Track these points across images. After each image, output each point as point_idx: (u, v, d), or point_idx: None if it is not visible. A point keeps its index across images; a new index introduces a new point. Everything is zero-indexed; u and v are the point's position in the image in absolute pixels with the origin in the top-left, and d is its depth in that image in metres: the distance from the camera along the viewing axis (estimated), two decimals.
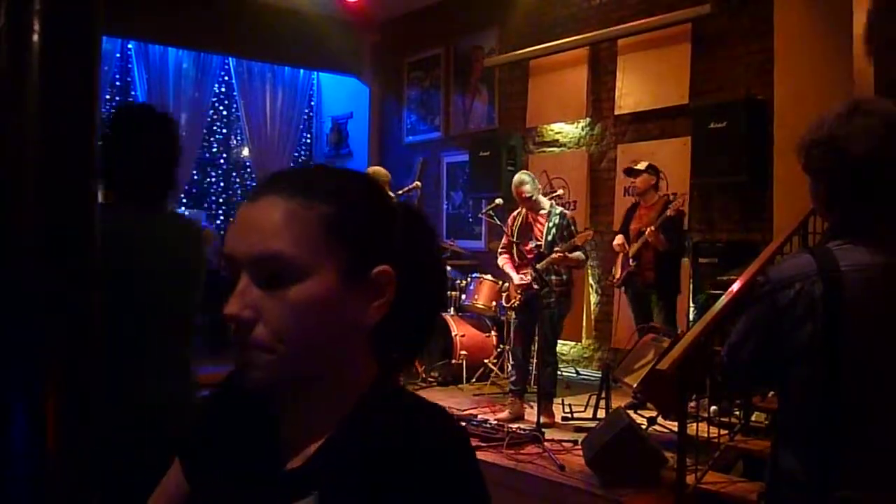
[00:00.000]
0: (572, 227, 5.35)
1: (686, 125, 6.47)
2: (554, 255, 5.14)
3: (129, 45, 9.48)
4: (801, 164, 1.74)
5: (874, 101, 1.74)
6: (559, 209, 5.45)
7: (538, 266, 5.13)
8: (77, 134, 0.59)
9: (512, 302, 5.45)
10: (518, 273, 5.40)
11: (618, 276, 5.86)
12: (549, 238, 5.28)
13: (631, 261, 5.65)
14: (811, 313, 1.60)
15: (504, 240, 5.59)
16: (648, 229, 5.46)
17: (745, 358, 1.75)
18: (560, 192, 6.45)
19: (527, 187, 5.39)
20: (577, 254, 5.26)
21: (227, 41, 9.21)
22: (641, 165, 5.77)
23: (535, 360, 5.67)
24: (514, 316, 5.66)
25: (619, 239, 5.83)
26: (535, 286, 5.18)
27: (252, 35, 9.14)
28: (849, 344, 1.58)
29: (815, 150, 1.69)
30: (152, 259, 2.11)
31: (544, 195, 5.69)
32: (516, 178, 5.52)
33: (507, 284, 5.56)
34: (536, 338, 5.46)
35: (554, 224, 5.31)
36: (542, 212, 5.41)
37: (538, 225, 5.38)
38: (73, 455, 0.62)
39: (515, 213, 5.61)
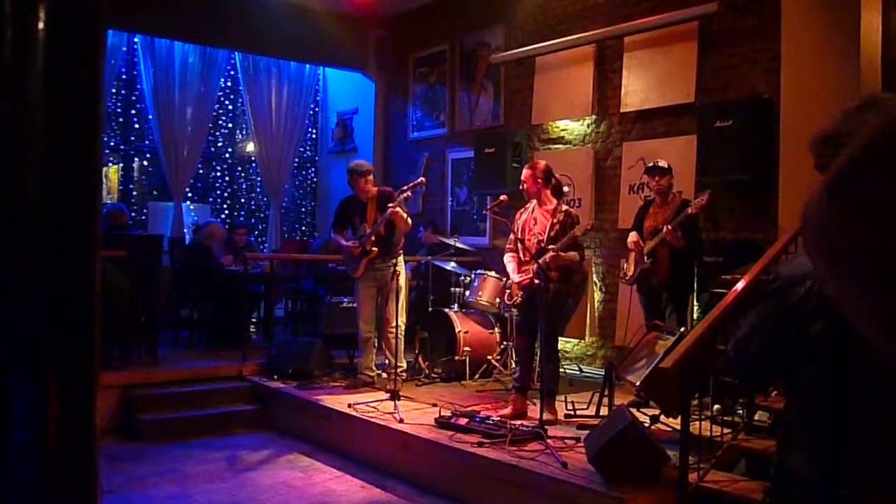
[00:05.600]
0: (576, 226, 5.34)
1: (692, 123, 6.46)
2: (548, 254, 5.14)
3: (136, 39, 9.50)
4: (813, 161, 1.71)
5: (891, 97, 1.67)
6: (565, 207, 5.44)
7: (540, 261, 5.13)
8: (81, 127, 0.59)
9: (514, 299, 5.44)
10: (520, 271, 5.39)
11: (631, 273, 5.83)
12: (553, 234, 5.27)
13: (646, 258, 5.64)
14: (821, 312, 1.59)
15: (511, 236, 5.57)
16: (666, 227, 5.44)
17: (751, 353, 1.75)
18: (566, 189, 6.43)
19: (523, 173, 5.45)
20: (571, 253, 5.24)
21: (233, 36, 9.23)
22: (663, 163, 5.72)
23: (538, 357, 5.67)
24: (516, 313, 5.66)
25: (633, 236, 5.80)
26: (537, 280, 5.18)
27: (258, 30, 9.15)
28: (857, 343, 1.57)
29: (818, 146, 1.67)
30: None
31: None
32: (525, 168, 5.54)
33: (510, 281, 5.56)
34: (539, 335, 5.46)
35: (558, 221, 5.30)
36: (548, 207, 5.40)
37: (543, 220, 5.37)
38: (75, 454, 0.62)
39: (523, 209, 5.61)
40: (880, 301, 0.65)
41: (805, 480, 1.64)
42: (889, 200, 0.62)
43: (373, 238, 6.14)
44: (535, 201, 5.46)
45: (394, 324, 6.16)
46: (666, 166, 5.69)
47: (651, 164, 5.77)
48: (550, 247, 5.17)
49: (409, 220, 6.19)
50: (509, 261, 5.51)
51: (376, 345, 6.46)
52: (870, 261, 0.63)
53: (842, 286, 0.69)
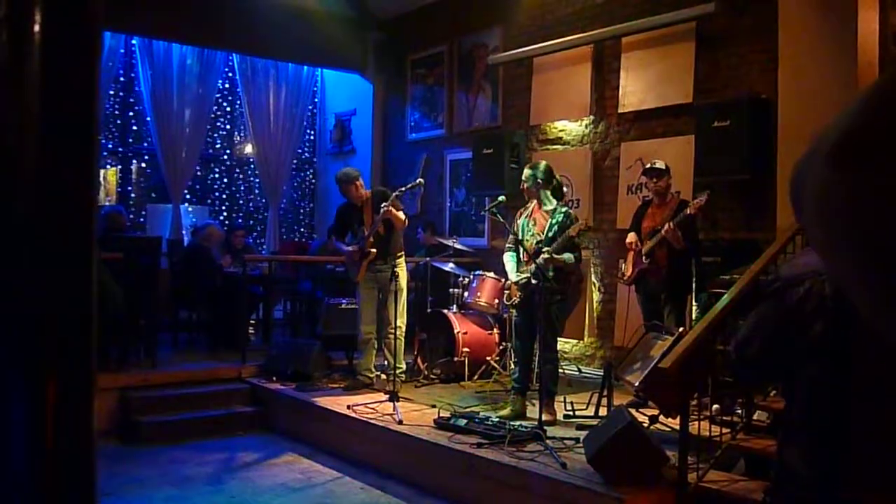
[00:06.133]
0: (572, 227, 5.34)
1: (690, 123, 6.47)
2: (542, 257, 5.13)
3: (134, 41, 9.49)
4: None
5: None
6: (564, 208, 5.44)
7: (537, 261, 5.13)
8: (77, 128, 0.59)
9: (513, 299, 5.44)
10: (520, 271, 5.39)
11: (629, 273, 5.84)
12: (550, 235, 5.27)
13: (644, 258, 5.64)
14: (820, 312, 1.60)
15: (511, 235, 5.56)
16: (666, 226, 5.44)
17: (752, 354, 1.75)
18: (564, 189, 6.44)
19: (524, 173, 5.46)
20: (566, 255, 5.23)
21: (231, 37, 9.22)
22: (661, 164, 5.73)
23: (537, 358, 5.67)
24: (515, 313, 5.66)
25: (631, 237, 5.81)
26: (534, 281, 5.19)
27: (256, 32, 9.14)
28: (857, 344, 1.57)
29: None
30: None
31: None
32: (526, 168, 5.57)
33: (509, 281, 5.56)
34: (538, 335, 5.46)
35: (557, 222, 5.30)
36: (547, 208, 5.40)
37: (542, 221, 5.38)
38: (73, 455, 0.62)
39: (523, 208, 5.61)
40: (886, 274, 0.60)
41: (805, 481, 1.64)
42: None
43: (371, 239, 6.14)
44: (535, 202, 5.47)
45: (394, 325, 6.16)
46: (664, 168, 5.70)
47: (648, 166, 5.79)
48: (545, 249, 5.18)
49: (405, 218, 6.19)
50: (508, 260, 5.51)
51: (376, 346, 6.45)
52: (878, 231, 0.57)
53: (845, 259, 0.62)
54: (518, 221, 5.52)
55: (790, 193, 0.64)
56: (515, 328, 5.71)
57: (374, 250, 6.14)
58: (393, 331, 6.19)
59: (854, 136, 0.57)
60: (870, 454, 1.59)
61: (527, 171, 5.47)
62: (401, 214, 6.11)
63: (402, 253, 6.35)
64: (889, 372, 1.59)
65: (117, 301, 6.21)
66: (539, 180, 5.39)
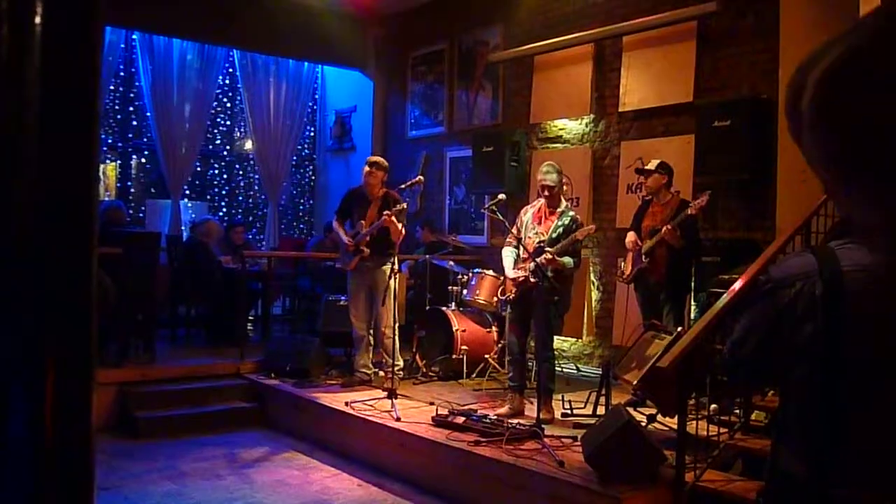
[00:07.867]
0: (578, 230, 5.33)
1: (690, 123, 6.46)
2: (544, 257, 5.12)
3: (134, 36, 9.48)
4: None
5: None
6: (571, 212, 5.43)
7: (538, 259, 5.13)
8: (77, 123, 0.59)
9: (508, 294, 5.44)
10: (518, 267, 5.39)
11: (628, 272, 5.84)
12: (554, 236, 5.26)
13: (644, 258, 5.64)
14: (811, 313, 1.60)
15: (514, 230, 5.53)
16: (666, 227, 5.44)
17: (745, 356, 1.76)
18: (563, 188, 6.43)
19: (552, 177, 5.36)
20: (566, 259, 5.22)
21: (232, 33, 9.21)
22: (652, 165, 5.72)
23: (534, 356, 5.66)
24: (510, 309, 5.64)
25: (631, 236, 5.81)
26: (532, 279, 5.19)
27: (257, 27, 9.13)
28: (848, 345, 1.58)
29: None
30: None
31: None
32: (543, 167, 5.47)
33: (505, 277, 5.55)
34: (533, 332, 5.46)
35: (562, 224, 5.29)
36: (557, 210, 5.39)
37: (548, 221, 5.37)
38: (72, 450, 0.62)
39: (529, 205, 5.59)
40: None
41: (798, 481, 1.64)
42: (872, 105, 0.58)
43: (367, 239, 6.13)
44: (543, 200, 5.45)
45: (384, 326, 6.15)
46: (652, 168, 5.70)
47: (638, 167, 5.84)
48: (547, 249, 5.17)
49: (403, 231, 6.11)
50: (507, 255, 5.50)
51: (372, 342, 6.45)
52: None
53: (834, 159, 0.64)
54: (522, 218, 5.50)
55: (786, 105, 0.68)
56: (509, 324, 5.68)
57: (366, 250, 6.13)
58: (384, 330, 6.17)
59: (837, 80, 0.59)
60: (862, 453, 1.59)
61: (552, 171, 5.37)
62: (400, 226, 6.07)
63: (395, 253, 6.23)
64: (881, 371, 1.59)
65: (110, 295, 6.21)
66: (563, 182, 5.40)
